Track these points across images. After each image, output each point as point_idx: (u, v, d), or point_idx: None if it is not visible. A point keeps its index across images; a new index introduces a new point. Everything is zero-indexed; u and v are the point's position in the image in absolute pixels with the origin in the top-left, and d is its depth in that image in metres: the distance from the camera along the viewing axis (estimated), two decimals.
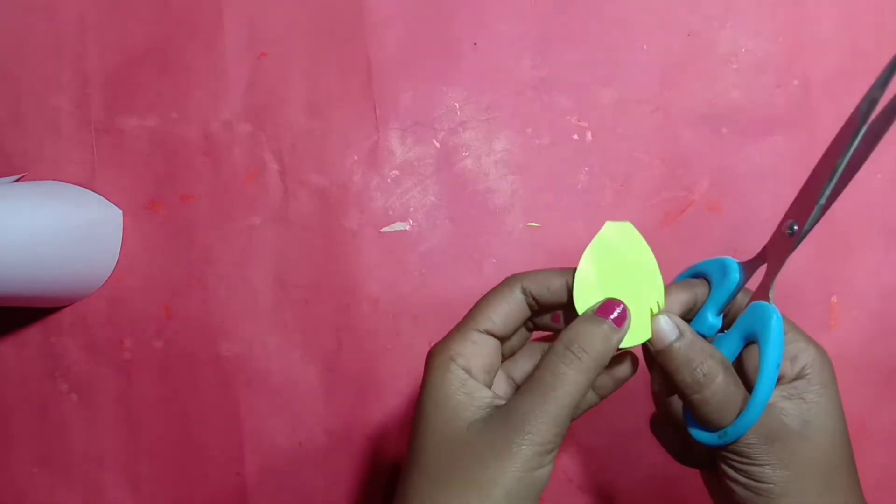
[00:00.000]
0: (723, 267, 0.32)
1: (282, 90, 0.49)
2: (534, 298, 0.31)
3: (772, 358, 0.29)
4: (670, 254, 0.47)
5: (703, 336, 0.31)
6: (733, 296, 0.31)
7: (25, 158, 0.51)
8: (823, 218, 0.47)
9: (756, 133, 0.47)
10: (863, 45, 0.47)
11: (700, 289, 0.32)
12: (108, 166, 0.50)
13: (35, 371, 0.51)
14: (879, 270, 0.47)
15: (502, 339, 0.32)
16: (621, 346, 0.30)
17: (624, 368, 0.32)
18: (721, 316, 0.32)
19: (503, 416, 0.28)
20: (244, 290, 0.49)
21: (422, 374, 0.31)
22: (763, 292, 0.30)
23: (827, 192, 0.28)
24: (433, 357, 0.30)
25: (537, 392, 0.28)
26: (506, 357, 0.33)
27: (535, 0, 0.48)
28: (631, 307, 0.30)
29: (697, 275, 0.33)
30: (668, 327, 0.30)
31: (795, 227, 0.30)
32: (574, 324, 0.30)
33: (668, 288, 0.32)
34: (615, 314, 0.29)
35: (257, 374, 0.49)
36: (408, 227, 0.49)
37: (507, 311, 0.31)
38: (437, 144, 0.49)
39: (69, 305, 0.51)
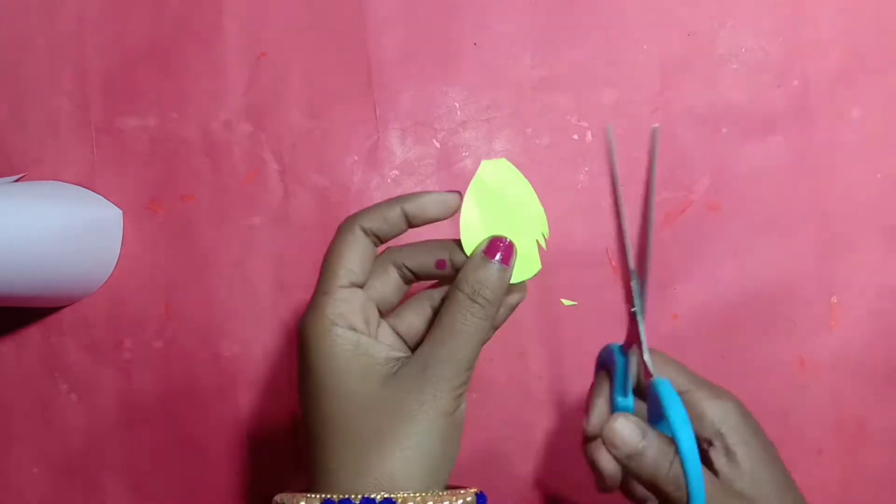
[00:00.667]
0: (610, 353, 0.34)
1: (282, 90, 0.49)
2: (374, 235, 0.31)
3: (685, 442, 0.29)
4: (670, 254, 0.47)
5: None
6: (626, 375, 0.33)
7: (25, 158, 0.51)
8: (823, 218, 0.47)
9: (756, 133, 0.47)
10: (863, 45, 0.47)
11: (604, 385, 0.34)
12: (108, 166, 0.50)
13: (35, 371, 0.51)
14: (879, 270, 0.47)
15: (365, 286, 0.31)
16: (513, 281, 0.31)
17: (516, 296, 0.32)
18: (631, 395, 0.33)
19: (418, 369, 0.29)
20: (244, 290, 0.49)
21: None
22: (647, 370, 0.31)
23: (642, 295, 0.31)
24: (310, 328, 0.29)
25: (449, 342, 0.29)
26: (385, 312, 0.33)
27: (534, 0, 0.48)
28: (517, 242, 0.31)
29: (601, 366, 0.35)
30: (631, 430, 0.30)
31: (634, 309, 0.31)
32: (467, 270, 0.30)
33: (596, 404, 0.34)
34: (501, 252, 0.30)
35: (257, 374, 0.49)
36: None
37: (359, 255, 0.31)
38: (437, 144, 0.49)
39: (69, 305, 0.51)
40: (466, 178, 0.48)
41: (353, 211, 0.49)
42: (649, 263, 0.30)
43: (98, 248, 0.49)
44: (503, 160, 0.32)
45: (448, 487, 0.29)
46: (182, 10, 0.50)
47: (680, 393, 0.32)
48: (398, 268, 0.32)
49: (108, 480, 0.51)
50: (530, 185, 0.32)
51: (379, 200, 0.49)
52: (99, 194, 0.50)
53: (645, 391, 0.32)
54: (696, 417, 0.31)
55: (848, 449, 0.47)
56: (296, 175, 0.49)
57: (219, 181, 0.50)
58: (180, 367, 0.50)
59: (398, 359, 0.30)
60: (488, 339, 0.32)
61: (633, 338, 0.32)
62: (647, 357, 0.31)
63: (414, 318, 0.32)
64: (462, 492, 0.29)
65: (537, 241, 0.31)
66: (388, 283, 0.32)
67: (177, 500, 0.50)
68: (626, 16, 0.48)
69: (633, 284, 0.31)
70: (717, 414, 0.31)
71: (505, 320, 0.32)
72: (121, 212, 0.50)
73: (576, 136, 0.48)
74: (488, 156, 0.48)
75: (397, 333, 0.32)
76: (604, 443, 0.30)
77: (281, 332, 0.49)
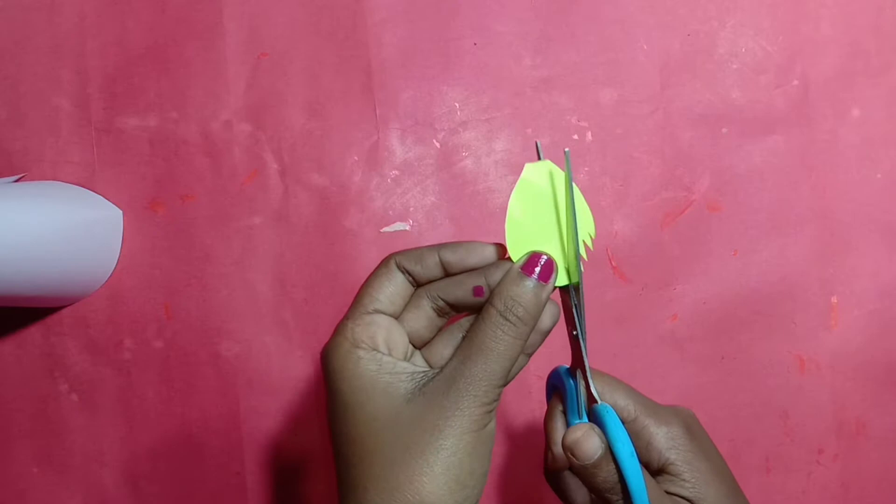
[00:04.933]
0: (559, 376, 0.33)
1: (282, 90, 0.49)
2: (409, 273, 0.31)
3: (632, 477, 0.29)
4: (670, 254, 0.47)
5: None
6: (578, 398, 0.32)
7: (25, 158, 0.51)
8: (823, 218, 0.47)
9: (756, 133, 0.47)
10: (863, 45, 0.47)
11: (558, 411, 0.34)
12: (108, 166, 0.50)
13: (35, 371, 0.51)
14: (879, 270, 0.47)
15: (395, 317, 0.31)
16: (556, 284, 0.30)
17: (548, 320, 0.31)
18: (584, 416, 0.33)
19: (445, 384, 0.28)
20: (244, 290, 0.49)
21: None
22: (591, 396, 0.31)
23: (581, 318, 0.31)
24: (333, 352, 0.30)
25: (479, 359, 0.28)
26: (417, 345, 0.33)
27: (534, 0, 0.48)
28: (564, 245, 0.30)
29: (552, 388, 0.35)
30: (592, 441, 0.30)
31: (575, 333, 0.31)
32: (502, 285, 0.29)
33: (552, 427, 0.33)
34: (540, 269, 0.29)
35: (257, 374, 0.49)
36: (408, 227, 0.49)
37: (391, 289, 0.31)
38: (437, 144, 0.49)
39: (69, 305, 0.51)
40: (466, 178, 0.48)
41: (353, 210, 0.49)
42: (582, 285, 0.30)
43: (98, 248, 0.49)
44: (547, 161, 0.31)
45: None
46: (182, 10, 0.50)
47: (627, 422, 0.32)
48: (432, 300, 0.31)
49: (108, 480, 0.51)
50: (576, 187, 0.31)
51: (379, 200, 0.49)
52: (99, 194, 0.50)
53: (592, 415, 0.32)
54: (644, 446, 0.32)
55: (848, 449, 0.47)
56: (296, 175, 0.49)
57: (219, 181, 0.50)
58: (180, 367, 0.50)
59: (423, 373, 0.29)
60: (522, 365, 0.31)
61: (577, 361, 0.32)
62: (591, 382, 0.31)
63: (444, 349, 0.32)
64: None
65: (584, 242, 0.30)
66: (421, 317, 0.32)
67: (177, 500, 0.50)
68: (626, 16, 0.48)
69: (574, 308, 0.31)
70: (664, 442, 0.32)
71: (538, 347, 0.31)
72: (121, 212, 0.50)
73: (576, 136, 0.48)
74: (488, 156, 0.48)
75: (429, 365, 0.32)
76: (564, 451, 0.31)
77: (281, 332, 0.49)
